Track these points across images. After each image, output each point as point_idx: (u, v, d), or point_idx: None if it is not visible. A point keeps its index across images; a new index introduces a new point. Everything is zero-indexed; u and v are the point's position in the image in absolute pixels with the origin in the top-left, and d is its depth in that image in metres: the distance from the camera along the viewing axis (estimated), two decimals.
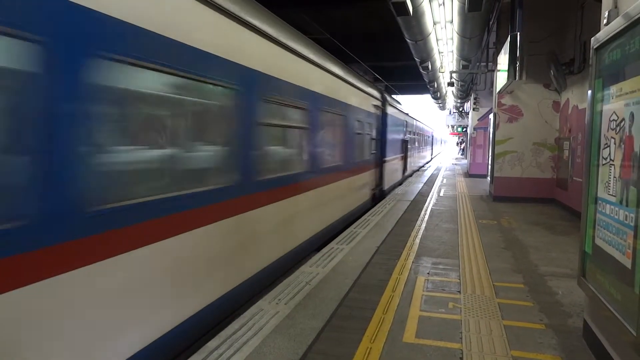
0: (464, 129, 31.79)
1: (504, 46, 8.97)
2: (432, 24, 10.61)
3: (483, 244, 6.34)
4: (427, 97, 33.23)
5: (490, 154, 13.04)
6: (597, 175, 2.95)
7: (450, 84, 18.17)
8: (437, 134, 47.73)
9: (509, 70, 8.46)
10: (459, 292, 4.32)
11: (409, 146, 17.32)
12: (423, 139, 25.34)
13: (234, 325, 3.40)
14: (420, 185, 14.25)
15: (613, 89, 2.72)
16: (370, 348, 3.15)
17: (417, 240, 6.49)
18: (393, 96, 16.52)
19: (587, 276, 3.06)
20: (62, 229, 2.18)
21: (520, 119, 10.88)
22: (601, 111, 2.92)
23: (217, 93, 3.66)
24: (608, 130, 2.77)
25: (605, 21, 3.04)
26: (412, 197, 11.29)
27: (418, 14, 8.61)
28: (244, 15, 3.94)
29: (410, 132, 17.92)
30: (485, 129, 17.80)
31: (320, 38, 13.01)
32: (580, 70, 8.67)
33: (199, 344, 3.33)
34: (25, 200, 2.04)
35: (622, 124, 2.54)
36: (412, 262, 5.35)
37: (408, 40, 10.75)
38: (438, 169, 23.25)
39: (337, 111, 7.13)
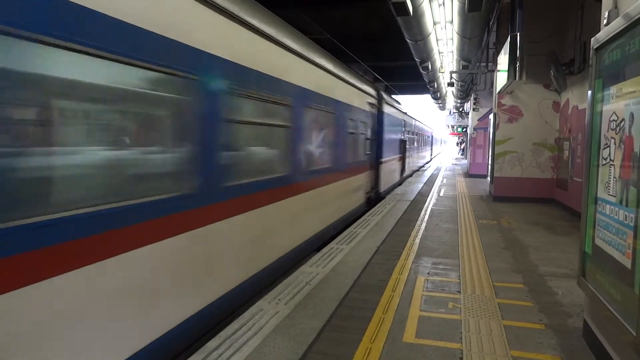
0: (464, 129, 31.80)
1: (504, 46, 8.98)
2: (432, 24, 10.61)
3: (483, 244, 6.34)
4: (427, 97, 33.23)
5: (490, 154, 13.04)
6: (597, 176, 2.95)
7: (450, 84, 18.17)
8: (437, 133, 47.34)
9: (509, 71, 8.47)
10: (459, 292, 4.32)
11: (407, 146, 16.73)
12: (422, 139, 24.81)
13: (234, 325, 3.40)
14: (420, 185, 14.25)
15: (613, 89, 2.72)
16: (370, 348, 3.15)
17: (417, 240, 6.49)
18: (393, 96, 16.48)
19: (587, 276, 3.06)
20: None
21: (520, 119, 10.88)
22: (601, 111, 2.92)
23: (164, 83, 2.95)
24: (608, 131, 2.77)
25: (605, 21, 3.04)
26: (412, 197, 11.29)
27: (418, 14, 8.61)
28: None
29: (408, 131, 17.32)
30: (485, 129, 17.81)
31: (320, 38, 13.01)
32: (580, 70, 8.67)
33: (199, 344, 3.33)
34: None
35: (622, 124, 2.54)
36: (412, 262, 5.35)
37: (408, 41, 10.75)
38: (438, 169, 23.25)
39: (326, 108, 6.47)
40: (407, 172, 17.20)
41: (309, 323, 3.48)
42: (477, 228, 7.49)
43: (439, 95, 25.73)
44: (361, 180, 9.29)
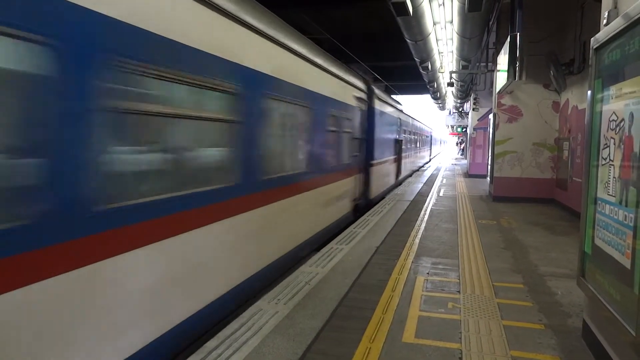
0: (464, 129, 31.80)
1: (504, 46, 8.98)
2: (432, 24, 10.61)
3: (483, 244, 6.34)
4: (427, 97, 33.21)
5: (489, 154, 13.05)
6: (597, 176, 2.95)
7: (450, 84, 18.19)
8: (436, 133, 46.79)
9: (508, 71, 8.47)
10: (459, 292, 4.32)
11: (403, 147, 15.53)
12: (420, 139, 23.72)
13: (233, 325, 3.40)
14: (420, 186, 14.25)
15: (613, 89, 2.72)
16: (370, 348, 3.15)
17: (417, 240, 6.49)
18: (393, 96, 16.41)
19: (587, 276, 3.06)
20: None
21: (519, 119, 10.88)
22: (601, 111, 2.92)
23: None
24: (608, 131, 2.77)
25: (605, 21, 3.04)
26: (411, 197, 11.29)
27: (418, 14, 8.61)
28: None
29: (405, 131, 16.27)
30: (485, 129, 17.81)
31: (320, 38, 13.01)
32: (580, 70, 8.67)
33: (198, 344, 3.33)
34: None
35: (621, 124, 2.54)
36: (412, 262, 5.35)
37: (408, 41, 10.75)
38: (438, 169, 23.25)
39: (297, 100, 5.33)
40: (402, 175, 16.09)
41: (308, 323, 3.47)
42: (476, 228, 7.49)
43: (438, 95, 25.74)
44: (346, 186, 8.14)
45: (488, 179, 13.29)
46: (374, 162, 10.40)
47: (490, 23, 10.37)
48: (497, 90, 10.83)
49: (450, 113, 39.42)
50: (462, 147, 43.42)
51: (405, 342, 3.25)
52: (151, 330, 2.89)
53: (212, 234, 3.58)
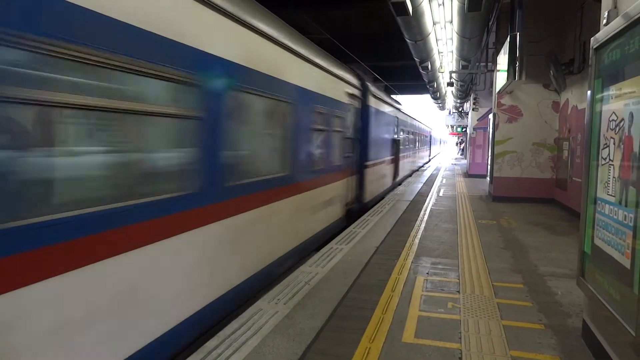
0: (464, 129, 31.81)
1: (504, 46, 8.99)
2: (432, 24, 10.61)
3: (482, 244, 6.34)
4: (426, 97, 33.21)
5: (489, 154, 13.05)
6: (597, 176, 2.95)
7: (450, 84, 18.21)
8: (436, 133, 46.31)
9: (508, 71, 8.48)
10: (458, 292, 4.32)
11: (400, 147, 14.84)
12: (419, 139, 23.00)
13: (233, 324, 3.40)
14: (420, 186, 14.26)
15: (612, 89, 2.72)
16: (370, 348, 3.15)
17: (417, 240, 6.49)
18: (392, 96, 16.36)
19: (586, 276, 3.06)
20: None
21: (519, 119, 10.89)
22: (600, 111, 2.92)
23: None
24: (607, 131, 2.77)
25: (604, 21, 3.04)
26: (411, 197, 11.29)
27: (418, 14, 8.61)
28: None
29: (403, 130, 15.65)
30: (485, 129, 17.81)
31: (320, 38, 13.01)
32: (579, 70, 8.68)
33: (198, 344, 3.32)
34: None
35: (621, 124, 2.54)
36: (412, 262, 5.35)
37: (408, 40, 10.75)
38: (437, 169, 23.26)
39: (275, 94, 4.70)
40: (400, 177, 15.39)
41: (308, 323, 3.47)
42: (476, 228, 7.49)
43: (438, 95, 25.76)
44: (337, 189, 7.50)
45: (488, 178, 13.29)
46: (369, 163, 9.84)
47: (490, 23, 10.38)
48: (497, 90, 10.83)
49: (450, 113, 39.45)
50: (461, 147, 43.44)
51: (405, 342, 3.25)
52: None
53: (147, 260, 2.81)
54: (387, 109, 11.89)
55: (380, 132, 11.13)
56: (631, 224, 2.35)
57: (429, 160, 33.08)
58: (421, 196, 11.66)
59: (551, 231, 7.37)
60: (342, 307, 3.89)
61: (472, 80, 17.52)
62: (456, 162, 31.06)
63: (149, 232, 2.85)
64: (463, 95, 21.30)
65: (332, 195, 7.20)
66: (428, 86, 21.32)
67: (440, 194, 12.18)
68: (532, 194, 10.71)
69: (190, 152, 3.29)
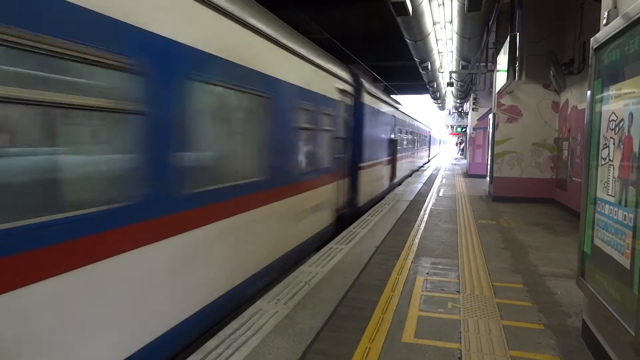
0: (464, 129, 31.81)
1: (504, 46, 8.99)
2: (432, 24, 10.62)
3: (482, 244, 6.34)
4: (426, 97, 33.19)
5: (489, 154, 13.05)
6: (596, 176, 2.95)
7: (450, 84, 18.20)
8: (436, 133, 45.89)
9: (508, 71, 8.48)
10: (458, 292, 4.32)
11: (398, 147, 14.22)
12: (418, 139, 22.28)
13: (233, 324, 3.40)
14: (420, 186, 14.26)
15: (612, 90, 2.73)
16: (370, 348, 3.15)
17: (417, 240, 6.49)
18: (392, 96, 16.32)
19: (586, 276, 3.06)
20: None
21: (519, 119, 10.89)
22: (600, 111, 2.92)
23: None
24: (607, 131, 2.77)
25: (604, 21, 3.04)
26: (411, 197, 11.29)
27: (417, 14, 8.61)
28: None
29: (401, 130, 15.07)
30: (485, 129, 17.82)
31: (320, 38, 13.02)
32: (579, 70, 8.68)
33: (198, 344, 3.32)
34: None
35: (621, 124, 2.54)
36: (412, 262, 5.36)
37: (408, 41, 10.75)
38: (437, 169, 23.26)
39: (246, 87, 4.06)
40: (398, 178, 14.82)
41: (308, 323, 3.48)
42: (476, 228, 7.49)
43: (438, 95, 25.77)
44: (326, 194, 6.87)
45: (488, 179, 13.30)
46: (363, 164, 9.24)
47: (490, 23, 10.39)
48: (497, 90, 10.84)
49: (450, 113, 39.46)
50: (461, 147, 43.44)
51: (405, 342, 3.25)
52: None
53: (43, 306, 2.14)
54: (383, 107, 11.38)
55: (376, 132, 10.67)
56: (631, 224, 2.35)
57: (429, 161, 32.75)
58: (421, 196, 11.66)
59: (551, 231, 7.37)
60: (342, 307, 3.89)
61: (472, 80, 17.53)
62: (456, 162, 31.06)
63: (56, 261, 2.18)
64: (463, 95, 21.30)
65: (320, 200, 6.56)
66: (428, 86, 21.33)
67: (440, 194, 12.18)
68: (531, 194, 10.72)
69: (125, 154, 2.68)
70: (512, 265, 5.25)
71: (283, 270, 5.17)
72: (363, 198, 9.35)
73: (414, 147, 20.33)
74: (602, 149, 2.86)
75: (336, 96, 7.23)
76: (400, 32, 10.26)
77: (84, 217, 2.33)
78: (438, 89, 22.83)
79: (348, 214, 8.19)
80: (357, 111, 8.62)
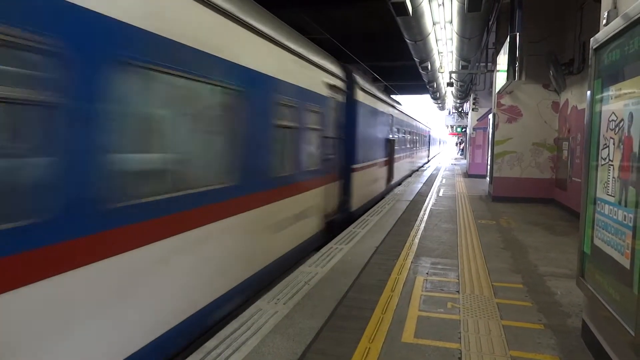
0: (463, 129, 31.81)
1: (504, 46, 9.00)
2: (432, 24, 10.62)
3: (482, 244, 6.34)
4: (426, 97, 33.18)
5: (489, 154, 13.05)
6: (596, 176, 2.95)
7: (450, 84, 18.20)
8: (435, 133, 45.54)
9: (508, 71, 8.48)
10: (458, 292, 4.32)
11: (396, 147, 13.69)
12: (417, 139, 21.73)
13: (233, 324, 3.40)
14: (420, 186, 14.26)
15: (612, 90, 2.73)
16: (369, 348, 3.15)
17: (416, 240, 6.49)
18: (392, 96, 16.27)
19: (586, 276, 3.06)
20: None
21: (519, 119, 10.89)
22: (600, 112, 2.93)
23: None
24: (607, 131, 2.77)
25: (604, 22, 3.04)
26: (411, 197, 11.29)
27: (417, 14, 8.61)
28: None
29: (398, 129, 14.44)
30: (485, 129, 17.82)
31: (320, 38, 13.02)
32: (579, 70, 8.68)
33: (198, 344, 3.32)
34: None
35: (621, 124, 2.54)
36: (411, 262, 5.35)
37: (407, 41, 10.75)
38: (437, 169, 23.27)
39: (211, 78, 3.53)
40: (395, 180, 14.19)
41: (307, 323, 3.47)
42: (476, 228, 7.49)
43: (438, 95, 25.78)
44: (313, 198, 6.31)
45: (487, 179, 13.30)
46: (357, 166, 8.63)
47: (490, 23, 10.39)
48: (497, 90, 10.84)
49: (449, 113, 39.46)
50: (461, 147, 43.44)
51: (405, 342, 3.25)
52: None
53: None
54: (379, 105, 10.82)
55: (372, 131, 10.05)
56: (631, 224, 2.35)
57: (428, 161, 32.45)
58: (421, 196, 11.66)
59: (551, 231, 7.37)
60: (342, 307, 3.89)
61: (472, 81, 17.53)
62: (456, 162, 31.06)
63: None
64: (463, 95, 21.31)
65: (305, 206, 5.95)
66: (428, 86, 21.33)
67: (440, 194, 12.18)
68: (531, 194, 10.72)
69: (32, 157, 2.16)
70: (512, 265, 5.26)
71: (257, 289, 4.53)
72: (357, 202, 8.78)
73: (412, 148, 19.88)
74: (602, 149, 2.86)
75: (325, 92, 6.66)
76: (400, 32, 10.26)
77: None
78: (438, 89, 22.83)
79: (339, 220, 7.69)
80: (349, 109, 8.08)
